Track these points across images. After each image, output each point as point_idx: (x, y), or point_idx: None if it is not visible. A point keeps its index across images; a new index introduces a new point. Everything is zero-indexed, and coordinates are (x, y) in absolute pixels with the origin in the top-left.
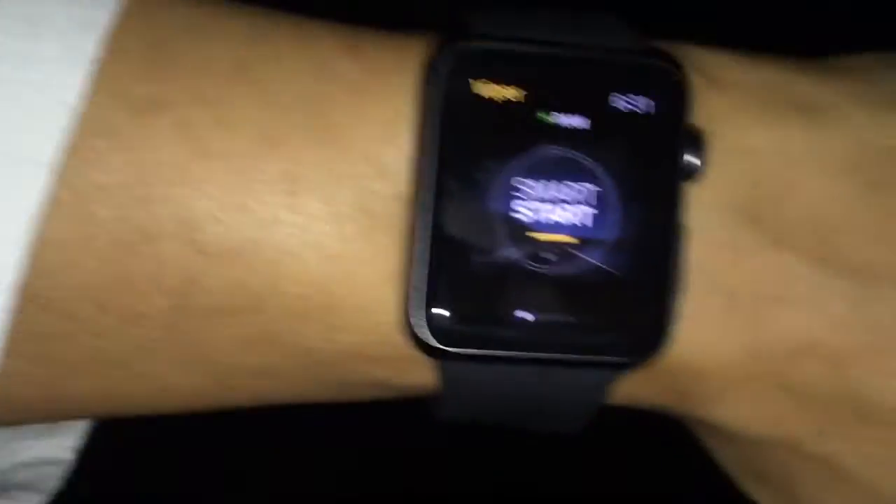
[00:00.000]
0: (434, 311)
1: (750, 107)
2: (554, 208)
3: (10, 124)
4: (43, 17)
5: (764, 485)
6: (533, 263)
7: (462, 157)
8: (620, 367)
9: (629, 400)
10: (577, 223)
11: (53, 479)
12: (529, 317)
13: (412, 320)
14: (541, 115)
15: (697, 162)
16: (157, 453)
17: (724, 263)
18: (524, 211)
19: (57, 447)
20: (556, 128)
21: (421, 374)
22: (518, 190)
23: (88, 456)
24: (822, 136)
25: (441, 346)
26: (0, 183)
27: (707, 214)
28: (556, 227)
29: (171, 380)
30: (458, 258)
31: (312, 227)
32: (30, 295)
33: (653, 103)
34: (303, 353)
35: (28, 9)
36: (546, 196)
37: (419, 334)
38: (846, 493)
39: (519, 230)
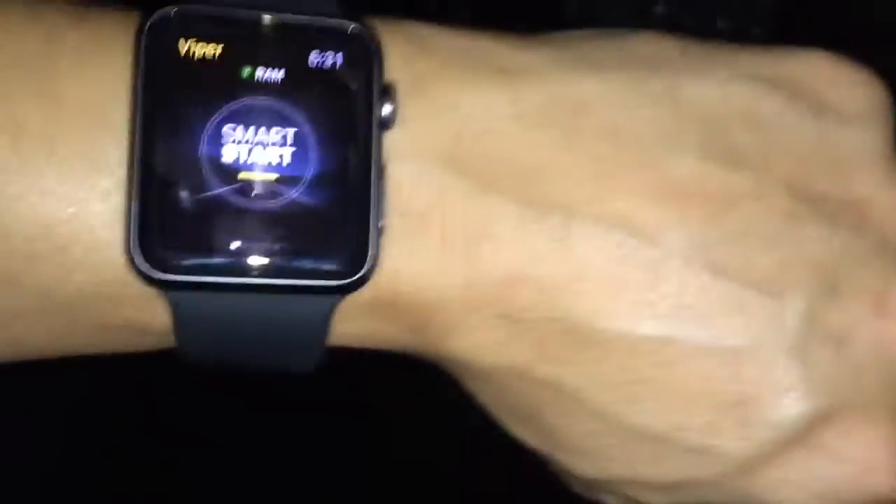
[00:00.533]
0: (150, 242)
1: (453, 69)
2: (255, 150)
3: None
4: None
5: (514, 417)
6: (239, 198)
7: (168, 107)
8: (329, 291)
9: (374, 339)
10: (277, 163)
11: None
12: (239, 245)
13: (132, 252)
14: (243, 69)
15: (391, 112)
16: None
17: (435, 206)
18: (228, 153)
19: None
20: (258, 81)
21: (160, 314)
22: (222, 135)
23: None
24: (520, 93)
25: (159, 276)
26: None
27: (418, 163)
28: (257, 167)
29: None
30: (169, 195)
31: (37, 172)
32: None
33: (346, 60)
34: (43, 294)
35: None
36: (247, 140)
37: (138, 265)
38: (578, 415)
39: (224, 170)
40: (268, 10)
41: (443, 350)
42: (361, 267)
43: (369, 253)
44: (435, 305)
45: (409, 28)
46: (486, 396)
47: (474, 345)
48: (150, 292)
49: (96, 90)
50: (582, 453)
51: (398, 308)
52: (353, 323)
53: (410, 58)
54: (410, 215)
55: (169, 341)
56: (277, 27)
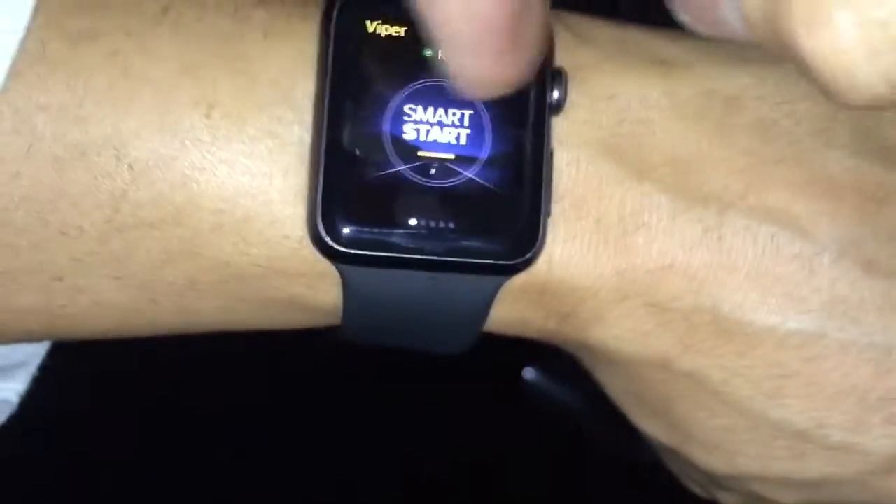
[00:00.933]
0: (332, 217)
1: (612, 59)
2: (434, 129)
3: None
4: None
5: (646, 410)
6: (418, 176)
7: (355, 85)
8: (499, 271)
9: (523, 326)
10: (454, 143)
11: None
12: (416, 222)
13: (315, 225)
14: (425, 50)
15: (562, 97)
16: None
17: (591, 193)
18: (409, 131)
19: (3, 390)
20: (438, 62)
21: (330, 291)
22: (403, 113)
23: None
24: (676, 85)
25: (339, 248)
26: None
27: (576, 150)
28: (436, 146)
29: (105, 294)
30: (352, 171)
31: (226, 146)
32: None
33: None
34: (221, 267)
35: None
36: (427, 119)
37: (319, 238)
38: (715, 408)
39: (404, 147)
40: None
41: (586, 338)
42: (530, 249)
43: (539, 235)
44: (586, 292)
45: (568, 18)
46: (620, 386)
47: (620, 333)
48: (321, 269)
49: (282, 67)
50: (715, 447)
51: (548, 294)
52: (503, 307)
53: (571, 47)
54: (567, 201)
55: (327, 319)
56: None
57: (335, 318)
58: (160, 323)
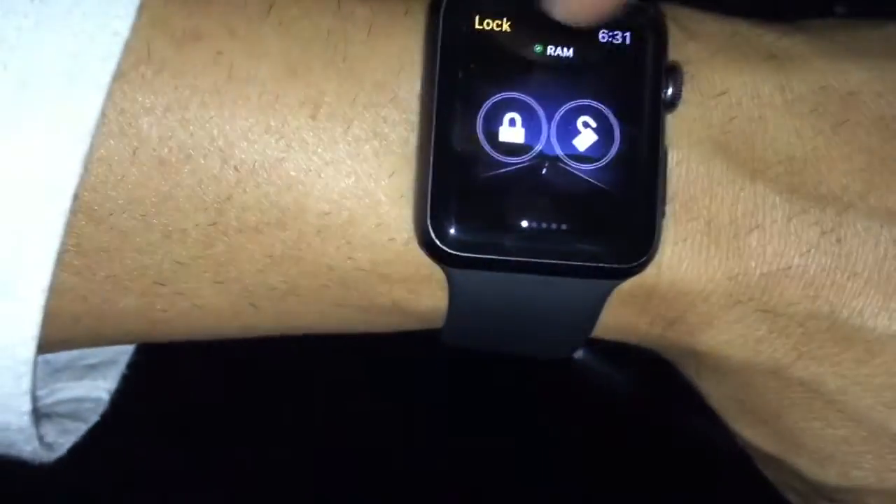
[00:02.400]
0: (441, 219)
1: (723, 53)
2: (546, 128)
3: (68, 49)
4: None
5: (752, 419)
6: (530, 177)
7: (463, 83)
8: (613, 275)
9: (626, 331)
10: (568, 140)
11: (91, 412)
12: (529, 224)
13: (423, 228)
14: (534, 46)
15: (677, 93)
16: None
17: (702, 193)
18: (520, 130)
19: (93, 388)
20: (550, 57)
21: (433, 295)
22: (514, 111)
23: (121, 397)
24: (790, 80)
25: (449, 251)
26: (59, 101)
27: (686, 148)
28: (548, 145)
29: (205, 298)
30: (462, 172)
31: (332, 147)
32: (81, 207)
33: (634, 39)
34: (324, 271)
35: None
36: (539, 116)
37: (429, 241)
38: (830, 418)
39: (515, 147)
40: None
41: (694, 344)
42: (646, 251)
43: (654, 238)
44: (696, 296)
45: (677, 12)
46: (725, 393)
47: (732, 339)
48: (426, 272)
49: (387, 66)
50: (828, 459)
51: (656, 298)
52: (608, 311)
53: (681, 42)
54: (677, 202)
55: (426, 323)
56: None
57: (435, 323)
58: (258, 326)
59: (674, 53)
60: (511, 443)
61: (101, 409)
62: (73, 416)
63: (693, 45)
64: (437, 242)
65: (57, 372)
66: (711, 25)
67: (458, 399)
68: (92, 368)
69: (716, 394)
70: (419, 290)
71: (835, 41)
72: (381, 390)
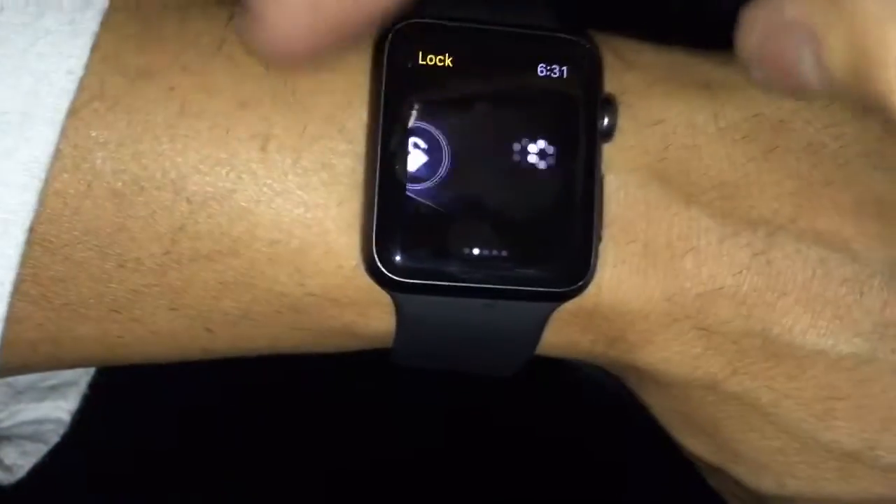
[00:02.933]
0: (387, 246)
1: (659, 83)
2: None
3: (23, 89)
4: None
5: (693, 430)
6: (471, 205)
7: (406, 116)
8: (553, 298)
9: (570, 349)
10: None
11: (52, 433)
12: (470, 251)
13: (369, 256)
14: (473, 79)
15: (612, 123)
16: (140, 420)
17: (639, 217)
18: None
19: (55, 408)
20: (487, 91)
21: (382, 318)
22: (455, 142)
23: (81, 417)
24: (724, 109)
25: (394, 278)
26: (16, 138)
27: (624, 175)
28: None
29: (161, 324)
30: (405, 201)
31: (281, 178)
32: (37, 239)
33: (571, 72)
34: (276, 297)
35: None
36: (477, 147)
37: (375, 268)
38: (765, 429)
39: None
40: (494, 23)
41: (634, 361)
42: (584, 275)
43: (591, 262)
44: (635, 316)
45: (615, 42)
46: (665, 406)
47: (669, 357)
48: (375, 296)
49: (334, 98)
50: (764, 468)
51: (597, 318)
52: (552, 331)
53: (619, 72)
54: (616, 226)
55: (378, 344)
56: (508, 38)
57: (385, 343)
58: (213, 350)
59: (611, 83)
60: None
61: (61, 429)
62: (34, 438)
63: (630, 75)
64: (383, 269)
65: (18, 394)
66: (649, 55)
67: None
68: (53, 390)
69: (658, 406)
70: (368, 314)
71: None
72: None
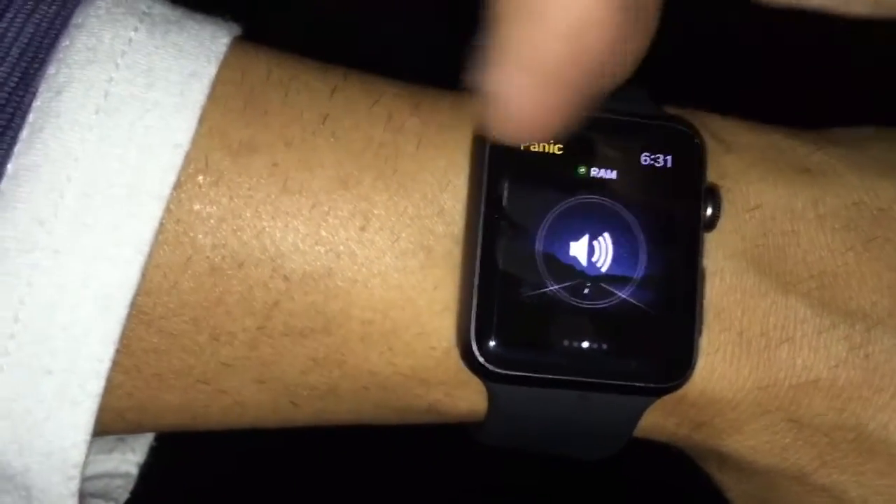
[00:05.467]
0: (484, 335)
1: (758, 167)
2: (589, 249)
3: (130, 162)
4: (159, 69)
5: None
6: (571, 296)
7: (509, 202)
8: (651, 393)
9: (653, 431)
10: (609, 262)
11: (122, 490)
12: (568, 343)
13: (465, 344)
14: (579, 167)
15: (716, 214)
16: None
17: (735, 305)
18: (562, 250)
19: (123, 462)
20: (592, 179)
21: (469, 399)
22: (557, 232)
23: (150, 471)
24: (822, 195)
25: (492, 368)
26: (121, 212)
27: (720, 261)
28: (591, 266)
29: (247, 396)
30: (506, 290)
31: (379, 259)
32: (134, 311)
33: (675, 161)
34: (365, 375)
35: (148, 61)
36: (581, 238)
37: (472, 357)
38: None
39: (558, 267)
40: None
41: (720, 447)
42: (683, 372)
43: (692, 359)
44: (725, 404)
45: (710, 122)
46: (746, 491)
47: (757, 445)
48: (464, 378)
49: (434, 178)
50: None
51: (686, 404)
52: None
53: (717, 155)
54: (711, 313)
55: (461, 420)
56: (612, 127)
57: (471, 420)
58: (295, 421)
59: (710, 167)
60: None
61: (130, 485)
62: (105, 496)
63: (729, 158)
64: (480, 359)
65: None
66: (746, 137)
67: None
68: (120, 440)
69: (736, 490)
70: (456, 395)
71: (867, 155)
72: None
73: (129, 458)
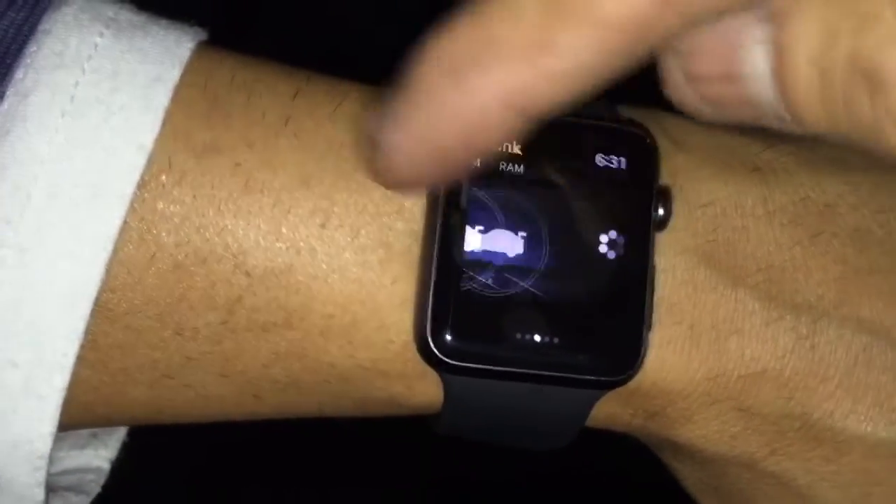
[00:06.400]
0: (440, 329)
1: (708, 165)
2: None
3: (95, 163)
4: (125, 72)
5: (722, 502)
6: (525, 292)
7: (466, 200)
8: (602, 386)
9: (609, 421)
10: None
11: (94, 484)
12: (522, 336)
13: (422, 337)
14: (536, 169)
15: (667, 214)
16: (178, 468)
17: (686, 299)
18: (523, 248)
19: (94, 457)
20: (550, 181)
21: (427, 391)
22: (516, 231)
23: (120, 465)
24: (771, 192)
25: (447, 360)
26: (86, 211)
27: (671, 257)
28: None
29: (211, 390)
30: (461, 285)
31: (339, 255)
32: (99, 307)
33: (629, 163)
34: (326, 368)
35: (113, 66)
36: (542, 236)
37: (427, 349)
38: None
39: (512, 263)
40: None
41: (672, 436)
42: (633, 365)
43: (641, 351)
44: (677, 394)
45: (664, 121)
46: (699, 480)
47: (707, 434)
48: (422, 370)
49: None
50: None
51: (639, 395)
52: (594, 405)
53: (670, 153)
54: (662, 307)
55: (419, 412)
56: (569, 129)
57: (429, 412)
58: (258, 414)
59: (663, 165)
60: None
61: (101, 479)
62: (77, 489)
63: (681, 157)
64: (436, 351)
65: (59, 440)
66: (699, 136)
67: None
68: (93, 437)
69: (691, 479)
70: (414, 387)
71: (816, 152)
72: None
73: (100, 454)
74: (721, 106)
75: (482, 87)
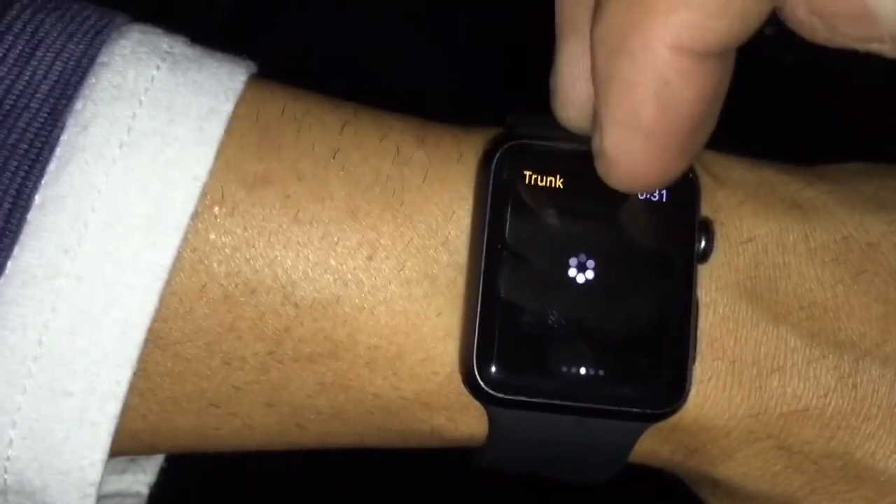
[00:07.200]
0: (485, 362)
1: (750, 202)
2: (590, 278)
3: (151, 194)
4: (180, 105)
5: None
6: (572, 324)
7: (510, 233)
8: (647, 419)
9: (649, 456)
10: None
11: None
12: (567, 369)
13: (468, 369)
14: (579, 201)
15: (709, 247)
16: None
17: (728, 335)
18: (563, 279)
19: (134, 482)
20: (594, 213)
21: (470, 423)
22: (560, 262)
23: (160, 491)
24: (812, 230)
25: (493, 393)
26: (142, 242)
27: (714, 292)
28: (591, 295)
29: (256, 419)
30: (507, 317)
31: (385, 287)
32: (151, 336)
33: (671, 196)
34: (370, 399)
35: (169, 98)
36: (583, 267)
37: (473, 382)
38: None
39: (558, 296)
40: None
41: (712, 472)
42: (678, 398)
43: (686, 385)
44: (718, 431)
45: (707, 158)
46: None
47: (748, 472)
48: (465, 402)
49: (439, 210)
50: None
51: (679, 431)
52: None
53: (711, 190)
54: (704, 342)
55: (461, 444)
56: None
57: (471, 444)
58: (302, 443)
59: (704, 201)
60: None
61: (140, 503)
62: None
63: (722, 193)
64: (481, 383)
65: None
66: (739, 172)
67: None
68: (132, 461)
69: None
70: (458, 419)
71: (856, 191)
72: None
73: (139, 479)
74: (837, 20)
75: (651, 42)
